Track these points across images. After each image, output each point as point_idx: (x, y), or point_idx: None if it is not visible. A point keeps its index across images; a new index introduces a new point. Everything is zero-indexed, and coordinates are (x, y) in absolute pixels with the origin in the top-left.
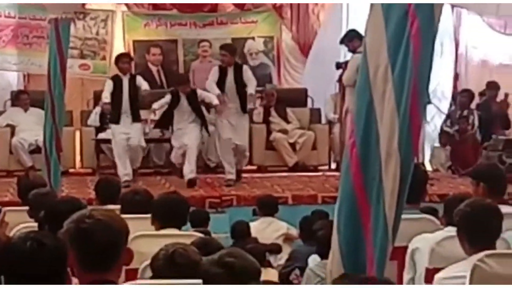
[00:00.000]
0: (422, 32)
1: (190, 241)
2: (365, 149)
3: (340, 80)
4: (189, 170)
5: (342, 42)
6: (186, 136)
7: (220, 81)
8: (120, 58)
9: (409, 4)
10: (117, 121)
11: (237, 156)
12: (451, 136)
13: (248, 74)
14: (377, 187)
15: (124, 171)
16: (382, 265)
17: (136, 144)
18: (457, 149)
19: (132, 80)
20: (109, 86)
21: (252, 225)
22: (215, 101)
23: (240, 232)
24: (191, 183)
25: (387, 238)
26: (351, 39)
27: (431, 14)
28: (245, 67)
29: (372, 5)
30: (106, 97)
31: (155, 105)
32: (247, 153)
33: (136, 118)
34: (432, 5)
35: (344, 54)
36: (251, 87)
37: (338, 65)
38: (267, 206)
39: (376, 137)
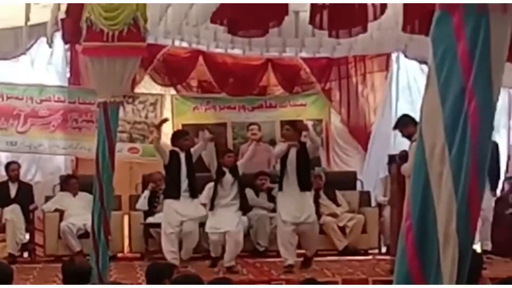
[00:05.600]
0: (480, 111)
1: None
2: (421, 233)
3: (396, 170)
4: (229, 257)
5: (396, 127)
6: (226, 220)
7: (283, 158)
8: (180, 135)
9: (466, 82)
10: (177, 197)
11: (304, 238)
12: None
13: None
14: (435, 271)
15: (172, 253)
16: None
17: (189, 231)
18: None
19: (188, 154)
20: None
21: None
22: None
23: None
24: (231, 270)
25: None
26: (406, 124)
27: (489, 93)
28: (308, 143)
29: (427, 83)
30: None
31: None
32: (316, 230)
33: (194, 194)
34: (490, 83)
35: (394, 137)
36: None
37: (391, 159)
38: None
39: (433, 220)
